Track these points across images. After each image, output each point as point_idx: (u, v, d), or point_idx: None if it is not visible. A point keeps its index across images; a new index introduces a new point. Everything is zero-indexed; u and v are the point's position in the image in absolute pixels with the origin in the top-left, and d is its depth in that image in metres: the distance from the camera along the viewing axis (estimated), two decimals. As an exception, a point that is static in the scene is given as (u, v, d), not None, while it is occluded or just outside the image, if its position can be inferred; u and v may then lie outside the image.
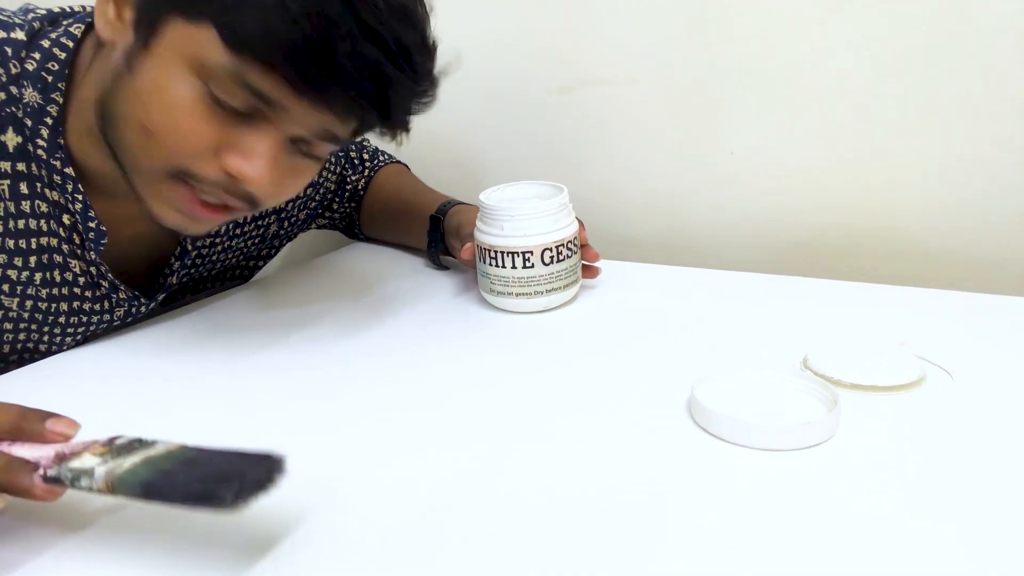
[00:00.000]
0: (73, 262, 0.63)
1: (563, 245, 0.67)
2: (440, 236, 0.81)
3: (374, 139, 0.64)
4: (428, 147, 0.96)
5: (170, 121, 0.52)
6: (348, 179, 0.89)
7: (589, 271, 0.74)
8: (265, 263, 0.87)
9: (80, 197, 0.60)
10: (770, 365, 0.53)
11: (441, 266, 0.83)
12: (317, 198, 0.86)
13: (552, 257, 0.67)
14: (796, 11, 0.80)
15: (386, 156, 0.94)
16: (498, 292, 0.69)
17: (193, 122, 0.52)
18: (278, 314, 0.73)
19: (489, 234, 0.68)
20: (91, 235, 0.61)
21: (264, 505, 0.43)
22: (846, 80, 0.80)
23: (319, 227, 0.93)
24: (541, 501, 0.42)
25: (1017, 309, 0.65)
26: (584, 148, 0.95)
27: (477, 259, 0.71)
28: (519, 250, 0.66)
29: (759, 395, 0.52)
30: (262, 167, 0.54)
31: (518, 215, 0.66)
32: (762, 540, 0.39)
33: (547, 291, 0.68)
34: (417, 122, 1.01)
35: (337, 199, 0.90)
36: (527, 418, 0.52)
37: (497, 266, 0.68)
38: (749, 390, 0.52)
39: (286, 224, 0.83)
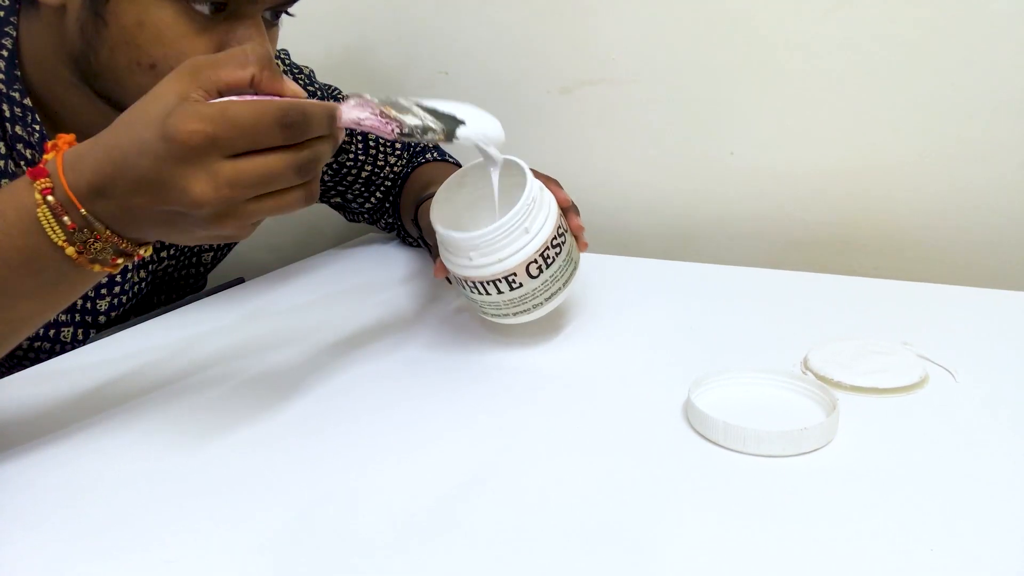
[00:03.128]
0: None
1: (548, 247, 0.56)
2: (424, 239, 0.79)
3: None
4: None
5: (166, 49, 0.55)
6: (372, 162, 0.85)
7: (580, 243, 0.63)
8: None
9: (37, 128, 0.61)
10: (769, 366, 0.52)
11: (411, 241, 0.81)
12: None
13: (540, 267, 0.56)
14: (795, 11, 0.79)
15: (434, 154, 0.90)
16: (492, 315, 0.60)
17: (186, 40, 0.55)
18: (275, 314, 0.73)
19: (459, 265, 0.57)
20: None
21: (261, 506, 0.43)
22: (845, 79, 0.80)
23: (334, 206, 0.90)
24: (534, 506, 0.42)
25: (1021, 305, 0.64)
26: (584, 148, 0.95)
27: (456, 284, 0.60)
28: (500, 276, 0.55)
29: (757, 399, 0.51)
30: (262, 50, 0.56)
31: (483, 242, 0.54)
32: (757, 549, 0.38)
33: (546, 299, 0.58)
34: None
35: (351, 177, 0.86)
36: (520, 419, 0.51)
37: (481, 294, 0.58)
38: (747, 393, 0.51)
39: None
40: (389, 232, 0.94)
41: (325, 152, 0.44)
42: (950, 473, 0.43)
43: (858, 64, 0.79)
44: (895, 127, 0.79)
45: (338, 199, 0.88)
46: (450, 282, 0.62)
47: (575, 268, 0.60)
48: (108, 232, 0.43)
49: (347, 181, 0.85)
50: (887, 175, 0.81)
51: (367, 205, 0.88)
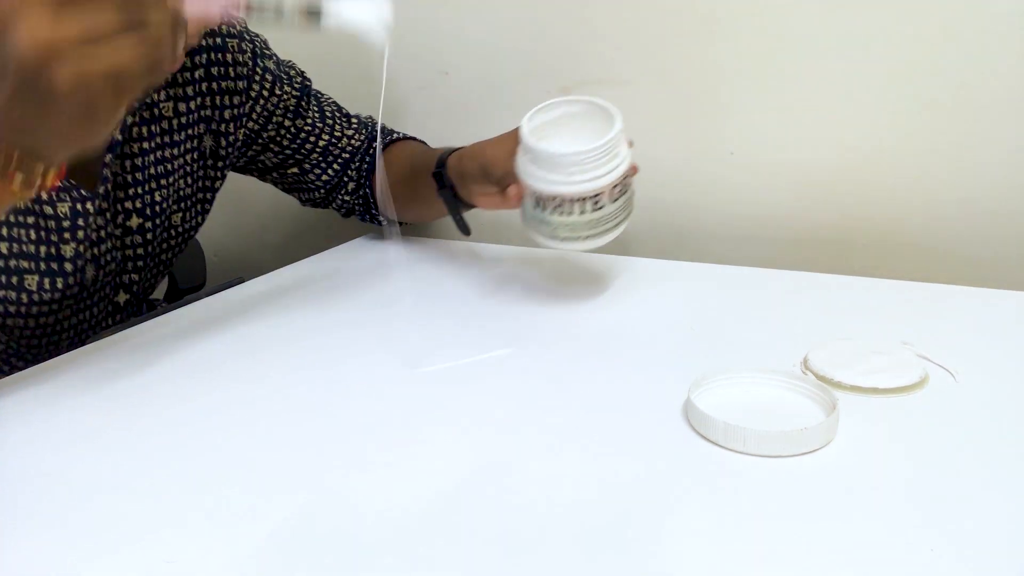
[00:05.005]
0: None
1: (627, 175, 0.64)
2: (453, 194, 0.76)
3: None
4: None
5: None
6: (330, 132, 0.87)
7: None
8: (207, 212, 0.84)
9: None
10: (769, 366, 0.52)
11: (467, 229, 0.79)
12: (255, 116, 0.82)
13: (620, 191, 0.63)
14: (795, 11, 0.79)
15: (399, 133, 0.91)
16: (563, 238, 0.64)
17: None
18: (275, 314, 0.73)
19: (552, 182, 0.61)
20: None
21: (261, 505, 0.43)
22: (846, 79, 0.80)
23: (291, 185, 0.90)
24: (533, 506, 0.42)
25: (1021, 305, 0.64)
26: (584, 148, 0.95)
27: (532, 206, 0.65)
28: (589, 195, 0.61)
29: (757, 399, 0.51)
30: None
31: (587, 160, 0.60)
32: (757, 549, 0.38)
33: (614, 226, 0.64)
34: (417, 122, 1.01)
35: (309, 145, 0.87)
36: (520, 419, 0.51)
37: (564, 214, 0.62)
38: (747, 393, 0.51)
39: (223, 143, 0.80)
40: (346, 216, 0.93)
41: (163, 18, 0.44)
42: (950, 473, 0.43)
43: (858, 64, 0.79)
44: (895, 127, 0.79)
45: (295, 168, 0.88)
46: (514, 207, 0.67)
47: (632, 208, 0.67)
48: None
49: (305, 149, 0.86)
50: (887, 175, 0.81)
51: (324, 177, 0.88)
